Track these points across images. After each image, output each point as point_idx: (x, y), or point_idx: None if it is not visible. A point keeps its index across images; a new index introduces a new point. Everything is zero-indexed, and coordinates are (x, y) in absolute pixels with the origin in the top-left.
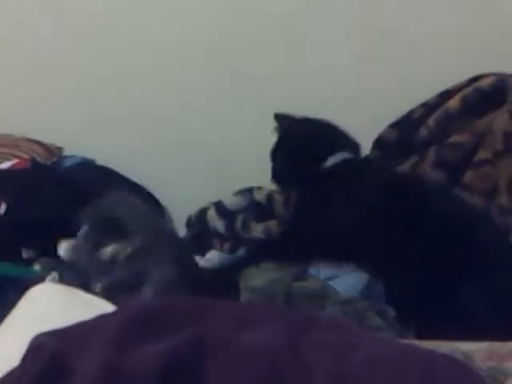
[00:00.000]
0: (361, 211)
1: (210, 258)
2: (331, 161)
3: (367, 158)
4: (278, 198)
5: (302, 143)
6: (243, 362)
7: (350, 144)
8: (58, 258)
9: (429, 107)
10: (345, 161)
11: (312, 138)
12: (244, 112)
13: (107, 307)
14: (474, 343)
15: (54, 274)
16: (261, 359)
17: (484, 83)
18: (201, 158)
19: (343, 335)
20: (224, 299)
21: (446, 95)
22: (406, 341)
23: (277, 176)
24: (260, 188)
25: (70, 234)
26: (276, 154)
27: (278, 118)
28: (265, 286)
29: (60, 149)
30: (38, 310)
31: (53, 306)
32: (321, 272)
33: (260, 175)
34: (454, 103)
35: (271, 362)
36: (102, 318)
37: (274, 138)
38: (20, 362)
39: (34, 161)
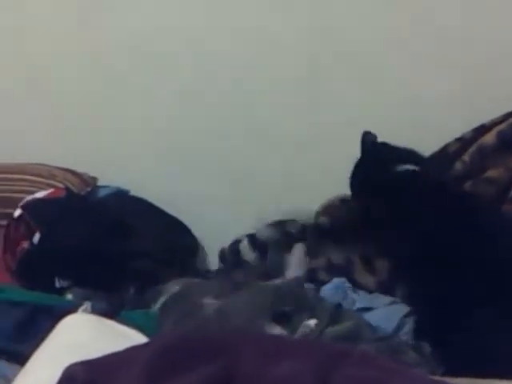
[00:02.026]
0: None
1: None
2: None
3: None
4: (311, 231)
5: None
6: None
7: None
8: (90, 287)
9: (464, 142)
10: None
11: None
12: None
13: (139, 338)
14: (508, 381)
15: (87, 304)
16: None
17: None
18: (236, 192)
19: (374, 370)
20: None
21: (481, 130)
22: (438, 377)
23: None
24: (293, 220)
25: (103, 263)
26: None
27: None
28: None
29: (94, 179)
30: (71, 339)
31: (85, 336)
32: (357, 303)
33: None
34: (489, 138)
35: None
36: (133, 350)
37: None
38: None
39: (68, 190)
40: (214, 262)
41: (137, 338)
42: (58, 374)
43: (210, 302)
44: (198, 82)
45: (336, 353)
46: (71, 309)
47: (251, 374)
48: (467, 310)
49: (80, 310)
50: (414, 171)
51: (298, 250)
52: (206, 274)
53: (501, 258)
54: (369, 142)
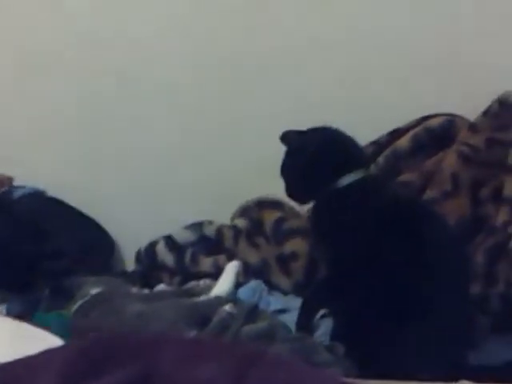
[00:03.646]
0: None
1: None
2: (346, 180)
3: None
4: (228, 233)
5: (316, 158)
6: None
7: (364, 160)
8: (4, 289)
9: (379, 145)
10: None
11: (327, 154)
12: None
13: (54, 341)
14: (417, 383)
15: (1, 307)
16: None
17: (433, 123)
18: (149, 189)
19: (287, 372)
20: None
21: (395, 134)
22: (350, 380)
23: (290, 191)
24: (210, 222)
25: (17, 265)
26: (286, 169)
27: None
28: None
29: (10, 179)
30: None
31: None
32: (272, 305)
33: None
34: (403, 142)
35: None
36: (48, 353)
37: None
38: None
39: None
40: (130, 263)
41: (52, 340)
42: None
43: (130, 306)
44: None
45: (251, 354)
46: None
47: (171, 376)
48: (385, 315)
49: None
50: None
51: (231, 267)
52: (122, 274)
53: (431, 266)
54: (293, 138)
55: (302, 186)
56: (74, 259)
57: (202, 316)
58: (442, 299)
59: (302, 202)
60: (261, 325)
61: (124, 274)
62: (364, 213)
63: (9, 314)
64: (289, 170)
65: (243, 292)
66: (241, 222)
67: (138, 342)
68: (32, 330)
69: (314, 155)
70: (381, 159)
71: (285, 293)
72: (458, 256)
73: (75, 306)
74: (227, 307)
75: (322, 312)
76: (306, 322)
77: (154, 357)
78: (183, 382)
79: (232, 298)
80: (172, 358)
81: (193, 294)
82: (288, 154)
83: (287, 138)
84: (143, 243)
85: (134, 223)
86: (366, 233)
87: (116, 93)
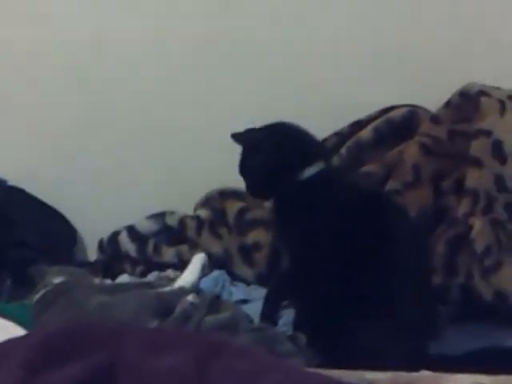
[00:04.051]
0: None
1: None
2: (307, 172)
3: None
4: (190, 223)
5: (275, 154)
6: None
7: (323, 152)
8: None
9: (341, 136)
10: (320, 172)
11: (285, 148)
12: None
13: (17, 331)
14: (379, 373)
15: None
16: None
17: (395, 114)
18: (112, 179)
19: (250, 362)
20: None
21: (357, 125)
22: (312, 369)
23: (252, 189)
24: (172, 212)
25: None
26: (245, 167)
27: (236, 136)
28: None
29: None
30: None
31: None
32: (234, 295)
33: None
34: (366, 133)
35: None
36: (11, 342)
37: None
38: None
39: None
40: (92, 253)
41: (14, 330)
42: None
43: (93, 296)
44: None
45: (215, 344)
46: None
47: (134, 365)
48: (346, 306)
49: None
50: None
51: (197, 259)
52: (85, 264)
53: (392, 256)
54: (246, 136)
55: (263, 183)
56: (37, 249)
57: (165, 306)
58: (403, 289)
59: (264, 198)
60: (223, 315)
61: (87, 264)
62: (326, 204)
63: None
64: (248, 168)
65: (206, 282)
66: (203, 213)
67: (102, 332)
68: None
69: (271, 151)
70: (343, 150)
71: (247, 283)
72: (419, 246)
73: (37, 296)
74: (190, 297)
75: (284, 302)
76: (270, 313)
77: (118, 345)
78: (146, 371)
79: (195, 288)
80: (135, 347)
81: (156, 286)
82: (244, 153)
83: (239, 137)
84: (105, 233)
85: (95, 213)
86: (328, 224)
87: (74, 80)
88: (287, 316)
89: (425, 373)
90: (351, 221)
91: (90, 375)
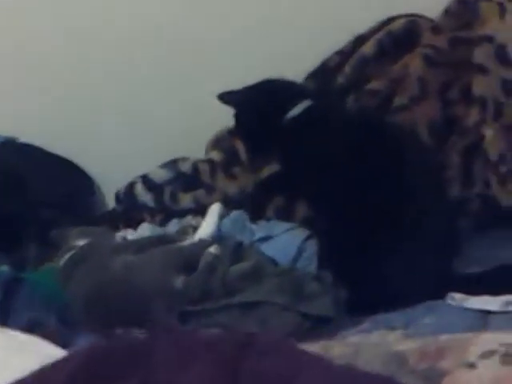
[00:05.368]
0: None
1: (142, 232)
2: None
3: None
4: (204, 167)
5: (261, 107)
6: None
7: (309, 92)
8: None
9: (343, 54)
10: (308, 109)
11: (268, 98)
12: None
13: (45, 348)
14: (407, 341)
15: None
16: None
17: (395, 26)
18: (131, 130)
19: (283, 361)
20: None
21: (359, 40)
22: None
23: (251, 150)
24: (184, 159)
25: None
26: (240, 130)
27: (223, 97)
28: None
29: None
30: None
31: None
32: (256, 233)
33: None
34: (368, 48)
35: None
36: (51, 370)
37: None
38: None
39: None
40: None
41: (42, 347)
42: None
43: (117, 257)
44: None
45: (240, 343)
46: None
47: (166, 381)
48: (373, 239)
49: None
50: (314, 108)
51: (214, 210)
52: (105, 216)
53: (407, 180)
54: (234, 99)
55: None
56: (55, 206)
57: (189, 261)
58: (422, 212)
59: (266, 160)
60: (247, 264)
61: (107, 215)
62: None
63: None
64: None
65: (225, 224)
66: (215, 155)
67: (131, 350)
68: (23, 339)
69: (261, 106)
70: (347, 68)
71: (267, 219)
72: (431, 164)
73: (62, 260)
74: (212, 249)
75: (306, 234)
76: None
77: (148, 363)
78: None
79: (215, 239)
80: (165, 362)
81: (176, 239)
82: (239, 115)
83: (225, 98)
84: (117, 182)
85: (114, 161)
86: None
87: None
88: (310, 249)
89: (452, 296)
90: (353, 153)
91: None
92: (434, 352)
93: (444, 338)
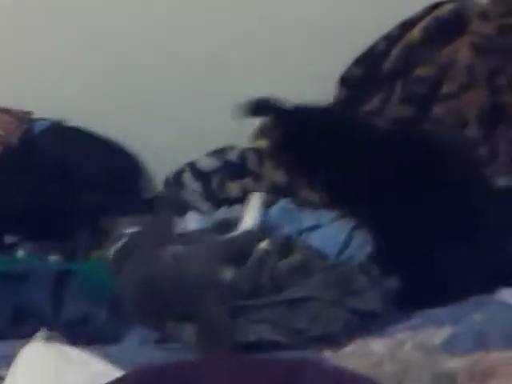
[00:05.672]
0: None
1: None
2: None
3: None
4: (251, 156)
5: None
6: None
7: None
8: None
9: (391, 39)
10: None
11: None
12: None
13: (98, 365)
14: (454, 359)
15: (42, 333)
16: None
17: (442, 11)
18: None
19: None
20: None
21: (406, 26)
22: None
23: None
24: (232, 147)
25: (49, 210)
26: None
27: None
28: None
29: (29, 113)
30: (34, 376)
31: (48, 370)
32: (304, 222)
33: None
34: (415, 34)
35: None
36: None
37: None
38: None
39: (5, 145)
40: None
41: (98, 365)
42: None
43: (167, 247)
44: None
45: (290, 368)
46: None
47: None
48: (425, 236)
49: (37, 337)
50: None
51: (255, 199)
52: (151, 200)
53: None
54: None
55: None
56: (105, 188)
57: (237, 253)
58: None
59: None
60: (295, 258)
61: (153, 199)
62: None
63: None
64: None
65: (273, 213)
66: (262, 143)
67: (182, 373)
68: (74, 354)
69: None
70: (394, 52)
71: (315, 207)
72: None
73: (112, 250)
74: (263, 244)
75: (353, 223)
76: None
77: None
78: None
79: (262, 227)
80: None
81: (224, 230)
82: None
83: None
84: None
85: (163, 146)
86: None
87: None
88: (357, 238)
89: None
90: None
91: None
92: (482, 373)
93: (494, 355)
